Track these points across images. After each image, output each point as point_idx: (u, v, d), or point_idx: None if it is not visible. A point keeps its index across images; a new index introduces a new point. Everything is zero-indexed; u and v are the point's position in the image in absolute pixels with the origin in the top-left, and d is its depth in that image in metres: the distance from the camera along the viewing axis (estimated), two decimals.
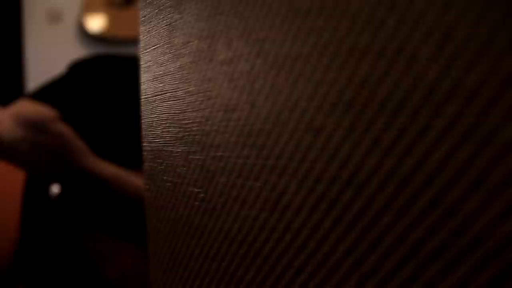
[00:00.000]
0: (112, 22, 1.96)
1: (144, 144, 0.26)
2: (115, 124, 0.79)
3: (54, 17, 1.97)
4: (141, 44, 0.26)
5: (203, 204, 0.20)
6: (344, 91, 0.13)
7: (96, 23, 1.95)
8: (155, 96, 0.24)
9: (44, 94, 0.72)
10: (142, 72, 0.26)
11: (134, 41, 2.04)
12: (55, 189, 0.74)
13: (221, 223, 0.19)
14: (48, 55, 1.95)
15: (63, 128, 0.66)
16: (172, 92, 0.22)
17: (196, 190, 0.21)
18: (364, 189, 0.13)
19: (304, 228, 0.15)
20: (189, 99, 0.21)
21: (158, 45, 0.23)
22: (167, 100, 0.23)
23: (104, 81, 0.78)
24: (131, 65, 0.84)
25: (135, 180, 0.75)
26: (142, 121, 0.26)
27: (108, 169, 0.71)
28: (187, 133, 0.21)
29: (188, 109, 0.21)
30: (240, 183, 0.17)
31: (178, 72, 0.22)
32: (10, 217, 0.90)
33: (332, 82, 0.14)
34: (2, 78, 1.78)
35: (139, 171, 0.84)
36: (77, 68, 0.78)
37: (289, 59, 0.15)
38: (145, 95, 0.25)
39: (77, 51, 2.00)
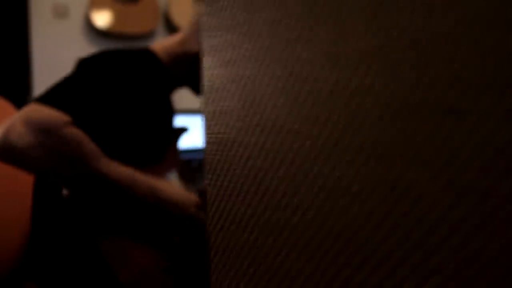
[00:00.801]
0: (119, 17, 1.94)
1: (207, 135, 0.24)
2: (127, 121, 0.77)
3: (61, 12, 1.95)
4: (205, 27, 0.24)
5: (293, 200, 0.18)
6: (500, 69, 0.12)
7: (103, 19, 1.93)
8: (225, 82, 0.22)
9: (54, 95, 0.69)
10: (205, 57, 0.24)
11: (141, 36, 2.02)
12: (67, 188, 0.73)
13: (321, 220, 0.17)
14: (54, 51, 1.93)
15: (76, 132, 0.64)
16: (249, 77, 0.21)
17: (281, 183, 0.19)
18: None
19: (442, 223, 0.13)
20: (274, 83, 0.19)
21: (230, 27, 0.22)
22: (242, 86, 0.21)
23: (113, 77, 0.75)
24: (140, 58, 0.82)
25: (149, 181, 0.73)
26: (204, 110, 0.24)
27: (121, 171, 0.69)
28: (270, 121, 0.19)
29: (273, 93, 0.19)
30: (351, 174, 0.16)
31: (258, 55, 0.20)
32: (20, 215, 0.88)
33: (483, 61, 0.12)
34: (9, 75, 1.76)
35: (152, 169, 0.82)
36: (85, 66, 0.76)
37: (423, 37, 0.13)
38: (210, 82, 0.23)
39: (83, 47, 1.97)
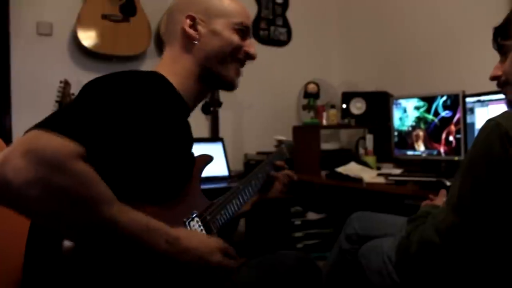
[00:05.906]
0: (108, 37, 1.80)
1: None
2: (145, 149, 0.63)
3: (44, 30, 1.80)
4: None
5: None
6: None
7: (90, 38, 1.78)
8: None
9: (61, 120, 0.55)
10: None
11: (132, 58, 1.88)
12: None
13: None
14: (36, 71, 1.77)
15: (86, 169, 0.50)
16: None
17: None
18: None
19: None
20: None
21: None
22: None
23: (130, 100, 0.62)
24: (156, 81, 0.70)
25: (167, 229, 0.58)
26: None
27: (135, 218, 0.55)
28: None
29: None
30: None
31: None
32: (12, 260, 0.73)
33: None
34: None
35: (171, 206, 0.68)
36: (94, 88, 0.63)
37: None
38: None
39: (68, 68, 1.82)
